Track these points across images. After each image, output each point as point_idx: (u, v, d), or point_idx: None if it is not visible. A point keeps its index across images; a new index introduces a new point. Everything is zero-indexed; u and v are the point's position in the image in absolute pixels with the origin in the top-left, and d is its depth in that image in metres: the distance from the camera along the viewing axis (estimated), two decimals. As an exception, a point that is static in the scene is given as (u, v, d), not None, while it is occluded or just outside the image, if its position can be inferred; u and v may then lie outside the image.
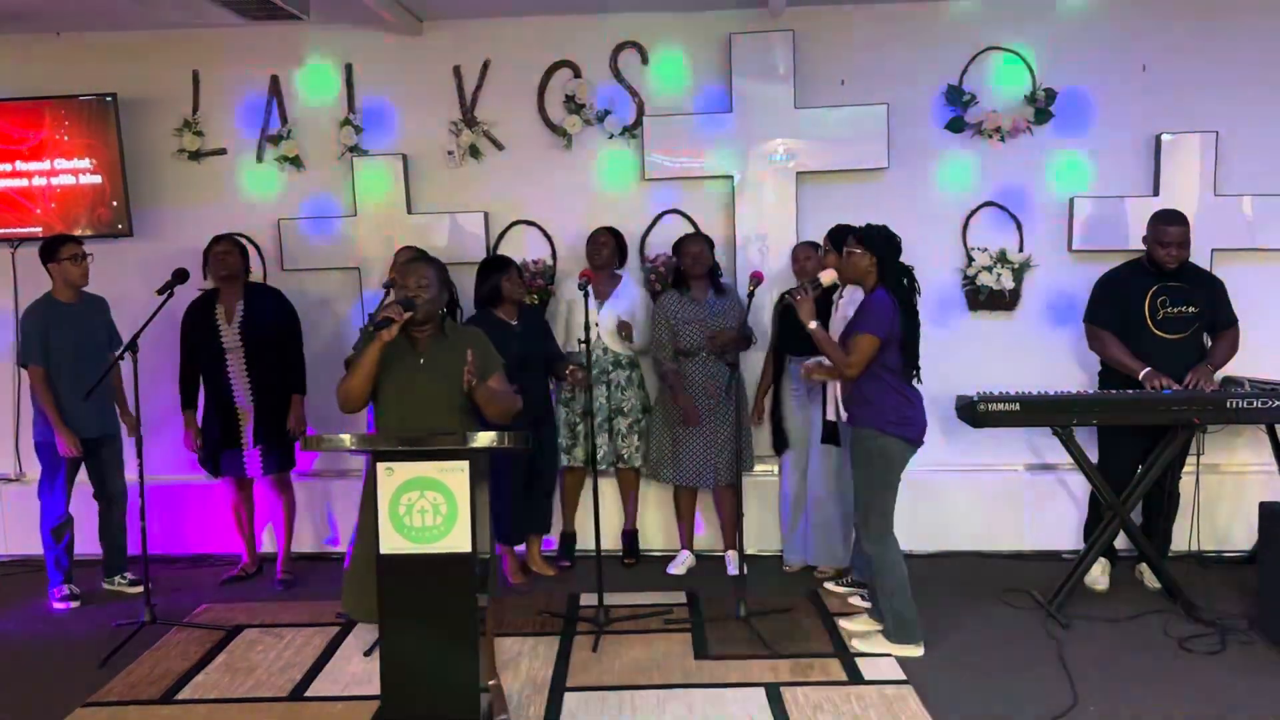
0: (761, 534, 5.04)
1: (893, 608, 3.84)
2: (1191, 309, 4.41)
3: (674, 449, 4.77)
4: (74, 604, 4.66)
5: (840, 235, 4.20)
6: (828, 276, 3.94)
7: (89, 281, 4.67)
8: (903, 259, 3.85)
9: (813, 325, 3.80)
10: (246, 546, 5.00)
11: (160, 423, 4.95)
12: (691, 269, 4.72)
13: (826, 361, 4.04)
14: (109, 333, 4.75)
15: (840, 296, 4.32)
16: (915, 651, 3.84)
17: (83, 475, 4.76)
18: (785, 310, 4.68)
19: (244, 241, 4.95)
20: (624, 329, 4.80)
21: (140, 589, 4.49)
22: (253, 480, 4.88)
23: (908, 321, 3.75)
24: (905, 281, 3.81)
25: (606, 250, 4.89)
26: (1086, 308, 4.63)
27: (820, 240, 4.64)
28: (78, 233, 4.98)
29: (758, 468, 5.00)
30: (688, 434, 4.73)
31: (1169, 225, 4.37)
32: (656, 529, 5.19)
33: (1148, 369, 4.32)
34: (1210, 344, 4.51)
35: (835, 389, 4.26)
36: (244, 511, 4.95)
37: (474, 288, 4.68)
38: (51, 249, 4.59)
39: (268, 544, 5.17)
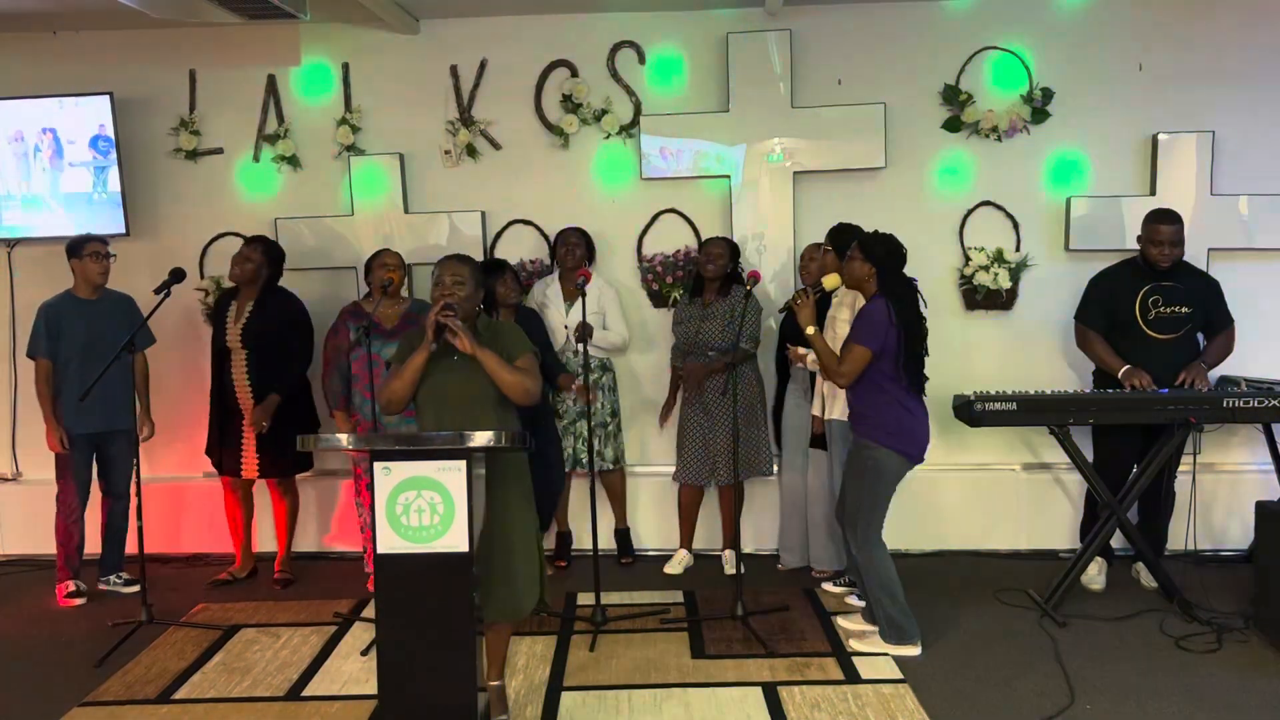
0: (758, 533, 5.04)
1: (885, 612, 3.85)
2: (1185, 309, 4.40)
3: (679, 448, 4.78)
4: (80, 600, 4.66)
5: (841, 234, 4.21)
6: (830, 280, 3.94)
7: (107, 280, 4.69)
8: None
9: (810, 330, 3.80)
10: (240, 549, 4.98)
11: (163, 421, 4.94)
12: (704, 266, 4.73)
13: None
14: (131, 330, 4.71)
15: (836, 299, 4.31)
16: (913, 651, 3.85)
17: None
18: (789, 313, 4.70)
19: (273, 243, 4.85)
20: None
21: (134, 589, 4.49)
22: (251, 481, 4.87)
23: (909, 334, 3.68)
24: (907, 293, 3.75)
25: (580, 251, 4.90)
26: (1078, 306, 4.64)
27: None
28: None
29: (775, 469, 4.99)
30: (692, 434, 4.74)
31: (1161, 224, 4.37)
32: (653, 529, 5.19)
33: (1127, 367, 4.33)
34: (1205, 344, 4.51)
35: (822, 385, 4.26)
36: (240, 513, 4.93)
37: None
38: (76, 246, 4.64)
39: (268, 544, 5.16)
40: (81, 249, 4.63)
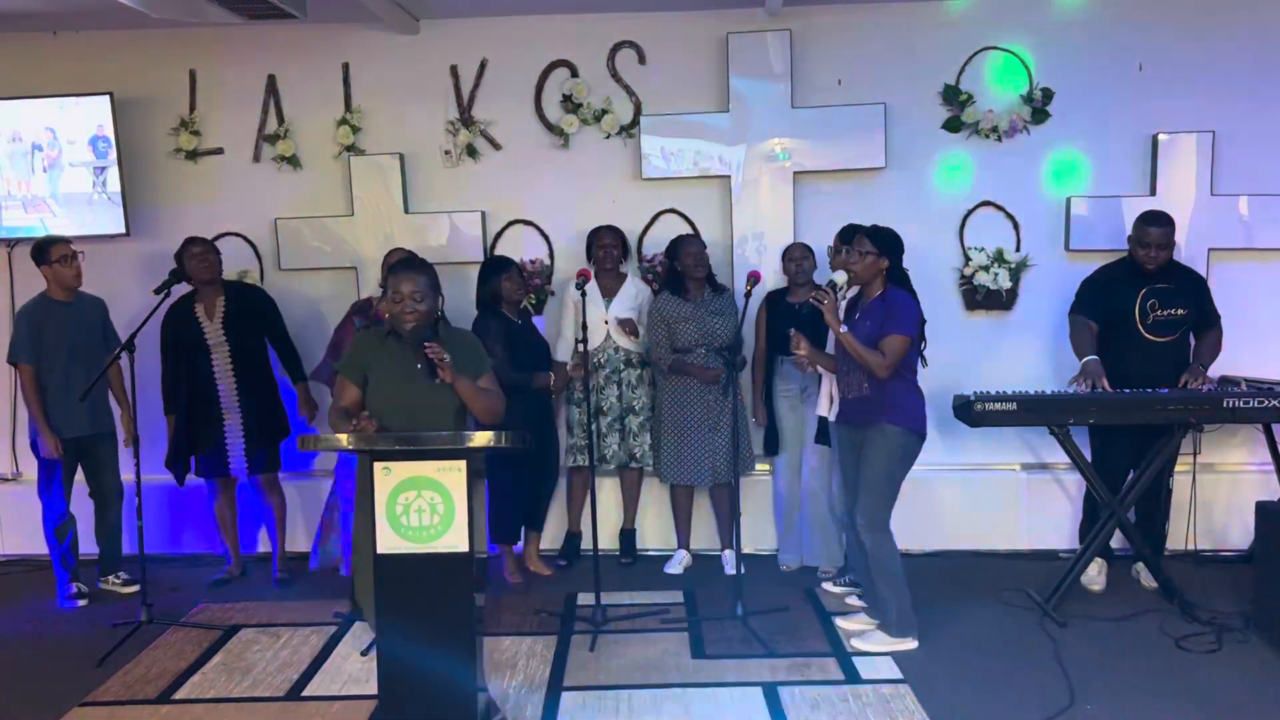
0: (758, 533, 5.04)
1: (896, 597, 3.87)
2: (1181, 311, 4.39)
3: (674, 448, 4.77)
4: (83, 602, 4.65)
5: (852, 235, 4.21)
6: (842, 278, 3.95)
7: (82, 281, 4.66)
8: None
9: (843, 330, 3.82)
10: (232, 549, 4.98)
11: (157, 422, 4.94)
12: (691, 270, 4.72)
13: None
14: (105, 333, 4.74)
15: (844, 298, 4.30)
16: (912, 643, 3.87)
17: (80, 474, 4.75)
18: (774, 311, 4.71)
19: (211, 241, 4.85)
20: (627, 325, 4.82)
21: (134, 589, 4.48)
22: (236, 480, 4.87)
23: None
24: (908, 281, 3.87)
25: (616, 251, 4.91)
26: (1073, 305, 4.62)
27: (809, 242, 4.75)
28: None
29: (755, 467, 5.01)
30: (686, 433, 4.73)
31: (1151, 226, 4.35)
32: (654, 529, 5.19)
33: (1090, 358, 4.33)
34: (1195, 344, 4.50)
35: (831, 386, 4.25)
36: (228, 513, 4.93)
37: (475, 288, 4.69)
38: (41, 251, 4.58)
39: (260, 544, 5.16)
40: (49, 254, 4.54)
